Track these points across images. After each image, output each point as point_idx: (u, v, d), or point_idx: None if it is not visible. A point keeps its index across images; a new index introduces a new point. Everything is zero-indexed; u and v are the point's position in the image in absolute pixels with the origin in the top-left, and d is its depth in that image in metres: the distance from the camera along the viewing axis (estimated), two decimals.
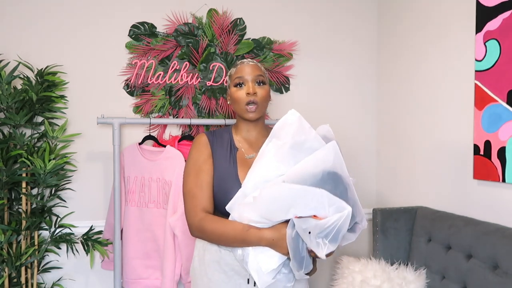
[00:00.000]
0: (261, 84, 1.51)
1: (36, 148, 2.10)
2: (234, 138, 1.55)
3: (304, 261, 1.29)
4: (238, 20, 2.48)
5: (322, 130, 1.40)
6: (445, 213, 2.08)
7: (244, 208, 1.34)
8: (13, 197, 2.09)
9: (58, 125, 2.19)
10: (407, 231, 2.26)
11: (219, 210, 1.45)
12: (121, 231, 2.22)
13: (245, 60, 1.56)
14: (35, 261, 2.08)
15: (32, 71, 2.14)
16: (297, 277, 1.33)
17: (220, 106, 2.44)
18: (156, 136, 2.35)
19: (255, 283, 1.43)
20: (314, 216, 1.23)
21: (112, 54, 2.33)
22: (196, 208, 1.44)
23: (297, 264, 1.29)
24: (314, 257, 1.33)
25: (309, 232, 1.23)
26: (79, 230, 2.20)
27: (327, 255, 1.24)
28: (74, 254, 2.18)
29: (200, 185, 1.45)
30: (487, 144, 1.91)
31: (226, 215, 1.41)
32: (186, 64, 2.38)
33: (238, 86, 1.51)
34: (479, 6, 1.96)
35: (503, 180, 1.84)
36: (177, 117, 2.40)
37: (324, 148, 1.30)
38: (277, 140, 1.35)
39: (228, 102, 1.59)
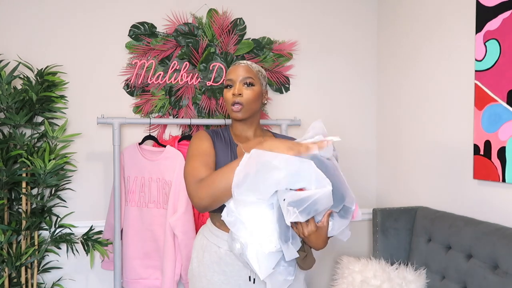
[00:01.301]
0: (249, 85, 1.52)
1: (36, 148, 2.10)
2: (233, 137, 1.57)
3: (290, 232, 1.30)
4: (238, 20, 2.48)
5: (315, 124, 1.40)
6: (445, 213, 2.08)
7: (237, 182, 1.32)
8: (13, 197, 2.09)
9: (58, 125, 2.19)
10: (407, 231, 2.26)
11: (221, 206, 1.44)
12: (121, 231, 2.22)
13: (238, 61, 1.58)
14: (35, 261, 2.08)
15: (32, 71, 2.14)
16: (287, 258, 1.31)
17: (220, 106, 2.44)
18: (156, 136, 2.35)
19: (255, 280, 1.43)
20: (300, 189, 1.26)
21: (112, 54, 2.33)
22: (196, 179, 1.38)
23: (283, 235, 1.29)
24: (302, 239, 1.34)
25: (284, 200, 1.25)
26: (79, 230, 2.20)
27: (298, 227, 1.29)
28: (74, 254, 2.18)
29: (203, 163, 1.41)
30: (487, 144, 1.91)
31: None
32: (186, 64, 2.38)
33: (228, 87, 1.54)
34: (479, 6, 1.96)
35: (503, 180, 1.84)
36: (177, 117, 2.40)
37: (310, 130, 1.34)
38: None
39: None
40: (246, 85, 1.51)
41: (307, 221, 1.27)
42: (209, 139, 1.51)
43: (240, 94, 1.49)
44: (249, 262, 1.32)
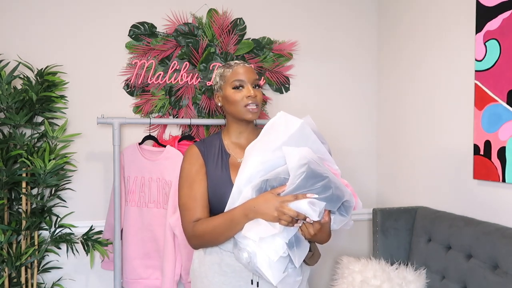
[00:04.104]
0: (257, 87, 1.52)
1: (36, 148, 2.10)
2: (225, 144, 1.55)
3: (294, 237, 1.30)
4: (238, 20, 2.48)
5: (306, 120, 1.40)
6: (445, 213, 2.08)
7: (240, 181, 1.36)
8: (13, 197, 2.09)
9: (58, 125, 2.19)
10: (407, 231, 2.26)
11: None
12: (121, 231, 2.22)
13: (238, 62, 1.55)
14: (35, 261, 2.08)
15: (32, 71, 2.14)
16: (297, 264, 1.30)
17: (220, 106, 2.43)
18: (156, 136, 2.35)
19: (258, 283, 1.43)
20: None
21: (112, 54, 2.33)
22: (191, 219, 1.44)
23: (286, 233, 1.29)
24: (308, 240, 1.34)
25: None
26: (79, 230, 2.20)
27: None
28: (74, 254, 2.18)
29: (193, 196, 1.45)
30: (487, 144, 1.91)
31: None
32: (186, 64, 2.38)
33: (236, 88, 1.50)
34: (479, 6, 1.96)
35: (503, 180, 1.84)
36: (177, 117, 2.40)
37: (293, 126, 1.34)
38: (264, 136, 1.37)
39: (219, 104, 1.57)
40: (254, 87, 1.51)
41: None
42: (199, 158, 1.51)
43: (256, 96, 1.48)
44: (259, 270, 1.31)
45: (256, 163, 1.34)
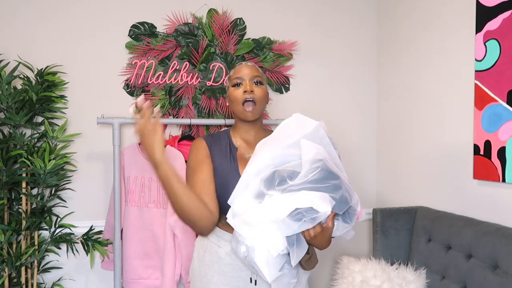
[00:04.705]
0: (259, 84, 1.53)
1: (36, 148, 2.10)
2: (233, 140, 1.56)
3: (295, 235, 1.29)
4: (238, 20, 2.48)
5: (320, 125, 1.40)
6: (445, 213, 2.09)
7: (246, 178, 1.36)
8: (13, 197, 2.09)
9: (58, 125, 2.19)
10: (407, 231, 2.26)
11: (223, 208, 1.44)
12: (121, 231, 2.22)
13: (242, 62, 1.58)
14: (35, 261, 2.08)
15: (32, 71, 2.14)
16: (293, 263, 1.30)
17: (220, 106, 2.44)
18: None
19: (256, 282, 1.43)
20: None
21: (112, 54, 2.33)
22: None
23: (289, 239, 1.29)
24: (307, 242, 1.33)
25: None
26: (79, 230, 2.20)
27: None
28: (74, 254, 2.18)
29: (194, 183, 1.45)
30: (487, 144, 1.91)
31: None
32: (186, 64, 2.38)
33: (236, 86, 1.52)
34: (479, 6, 1.96)
35: (503, 180, 1.84)
36: (177, 117, 2.40)
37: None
38: (277, 133, 1.37)
39: (228, 104, 1.60)
40: (255, 84, 1.52)
41: None
42: (205, 149, 1.52)
43: (252, 91, 1.49)
44: (255, 266, 1.30)
45: (266, 157, 1.34)
